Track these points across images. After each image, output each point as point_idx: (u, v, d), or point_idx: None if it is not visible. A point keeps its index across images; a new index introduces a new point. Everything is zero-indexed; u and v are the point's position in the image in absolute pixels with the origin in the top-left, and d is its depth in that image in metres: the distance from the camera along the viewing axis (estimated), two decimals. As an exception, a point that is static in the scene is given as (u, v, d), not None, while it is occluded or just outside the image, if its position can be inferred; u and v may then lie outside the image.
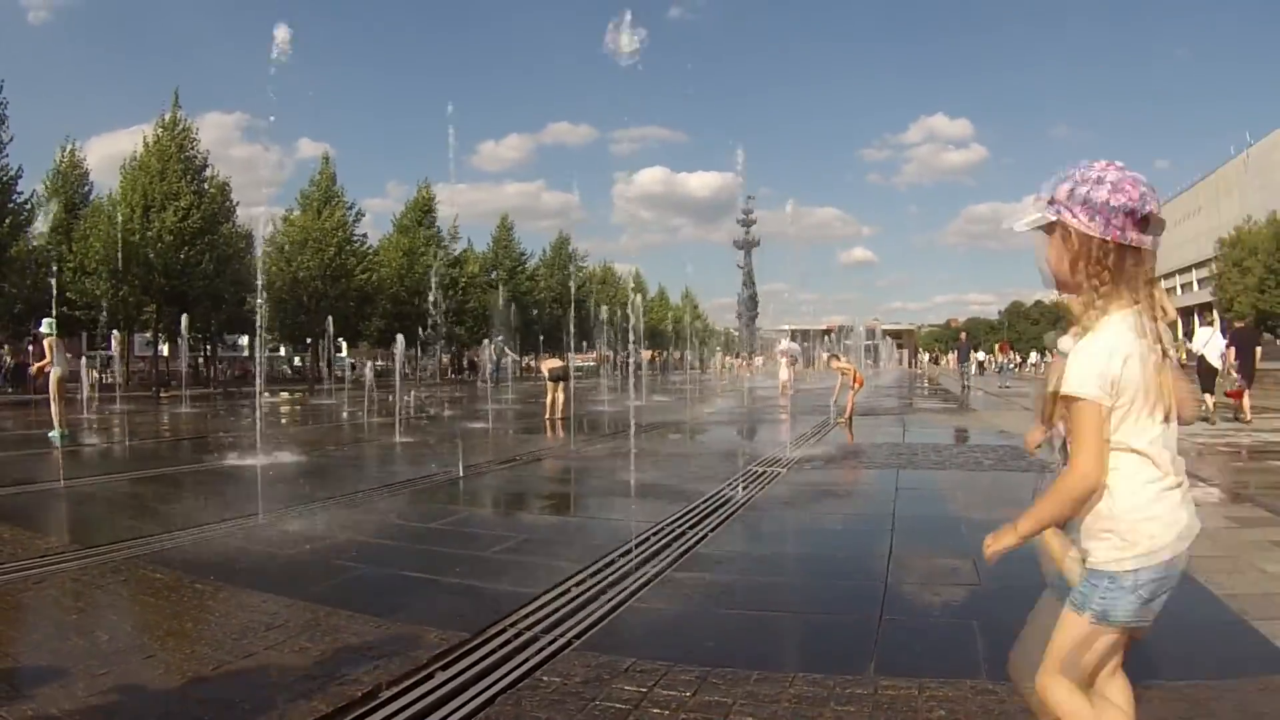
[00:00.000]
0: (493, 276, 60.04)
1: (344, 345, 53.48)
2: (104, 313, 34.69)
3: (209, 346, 50.38)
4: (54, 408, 13.67)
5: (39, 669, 3.49)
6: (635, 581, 4.76)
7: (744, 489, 7.79)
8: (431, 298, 45.67)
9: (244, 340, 61.14)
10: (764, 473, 8.86)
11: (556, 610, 4.24)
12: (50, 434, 13.27)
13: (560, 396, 17.32)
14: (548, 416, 17.13)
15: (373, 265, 49.59)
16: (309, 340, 49.64)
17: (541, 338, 56.96)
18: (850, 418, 15.93)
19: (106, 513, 7.61)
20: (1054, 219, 2.08)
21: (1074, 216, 2.04)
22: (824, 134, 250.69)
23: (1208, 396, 15.67)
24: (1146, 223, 2.01)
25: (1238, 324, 18.87)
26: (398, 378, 21.70)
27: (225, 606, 4.39)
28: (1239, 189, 68.90)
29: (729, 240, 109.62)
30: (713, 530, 6.14)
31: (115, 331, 33.56)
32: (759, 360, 56.28)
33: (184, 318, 32.04)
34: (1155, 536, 2.02)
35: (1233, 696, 3.06)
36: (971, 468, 9.42)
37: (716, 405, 24.26)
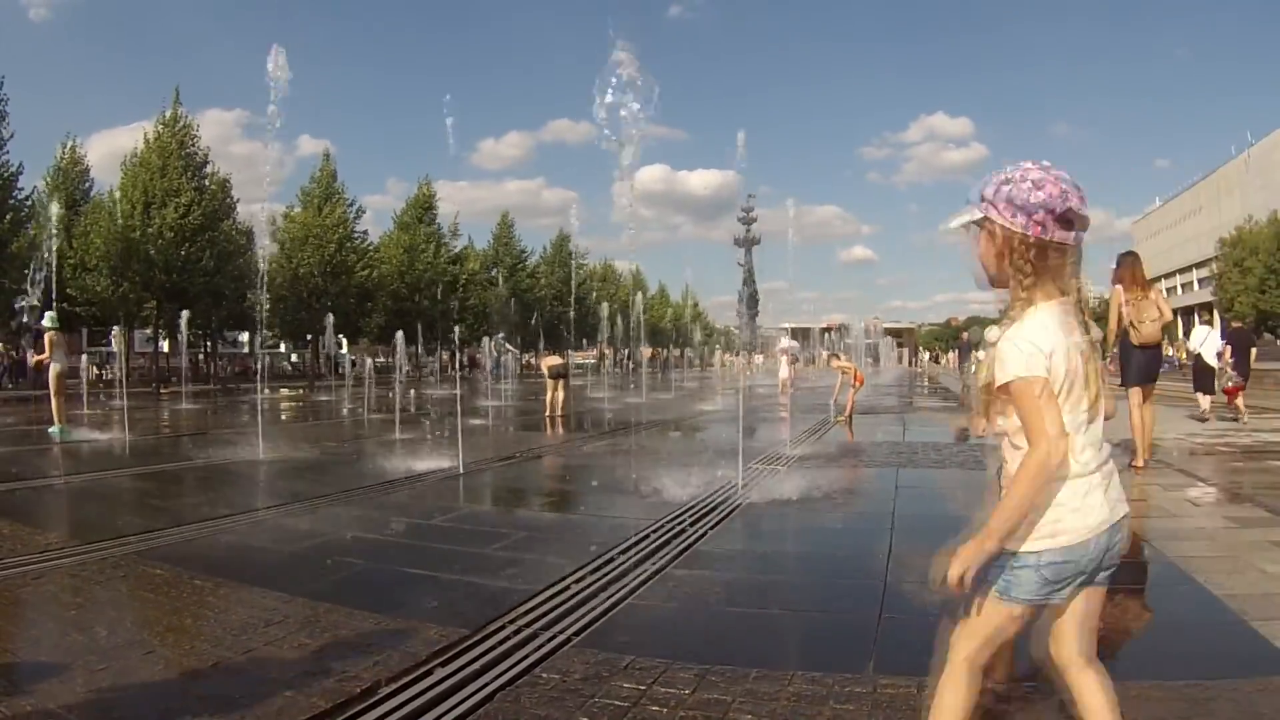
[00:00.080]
0: (493, 274, 60.06)
1: (344, 341, 53.46)
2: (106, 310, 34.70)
3: (209, 343, 50.38)
4: (54, 403, 13.67)
5: (38, 664, 3.49)
6: (634, 579, 4.76)
7: (744, 487, 7.79)
8: (445, 298, 45.68)
9: (244, 337, 61.16)
10: (764, 470, 8.85)
11: (556, 607, 4.23)
12: (51, 429, 13.27)
13: (560, 394, 17.34)
14: (548, 413, 17.14)
15: (373, 262, 49.62)
16: (309, 336, 49.69)
17: (542, 335, 56.96)
18: (850, 416, 15.93)
19: (106, 508, 7.61)
20: (981, 216, 2.17)
21: (999, 213, 2.13)
22: (824, 132, 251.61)
23: (1207, 396, 15.79)
24: (1070, 219, 2.10)
25: (1234, 324, 19.16)
26: (398, 374, 21.68)
27: (224, 602, 4.39)
28: (1240, 188, 68.84)
29: (729, 238, 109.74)
30: (712, 528, 6.14)
31: (115, 328, 33.56)
32: (759, 358, 56.22)
33: (184, 314, 32.06)
34: (1060, 521, 2.13)
35: (1232, 697, 3.06)
36: (972, 466, 9.41)
37: (716, 403, 24.25)
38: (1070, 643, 2.34)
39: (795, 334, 44.57)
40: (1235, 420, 14.87)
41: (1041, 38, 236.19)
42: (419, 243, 52.98)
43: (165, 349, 45.97)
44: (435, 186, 56.25)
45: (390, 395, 21.08)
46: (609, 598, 4.41)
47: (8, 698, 3.11)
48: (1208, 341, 16.21)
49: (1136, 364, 9.02)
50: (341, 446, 13.06)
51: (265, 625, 3.96)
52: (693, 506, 6.89)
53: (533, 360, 59.43)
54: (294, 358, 63.04)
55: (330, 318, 40.63)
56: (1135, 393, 9.13)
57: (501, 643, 3.71)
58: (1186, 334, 18.45)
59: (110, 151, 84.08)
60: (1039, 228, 2.10)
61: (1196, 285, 77.08)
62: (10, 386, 32.32)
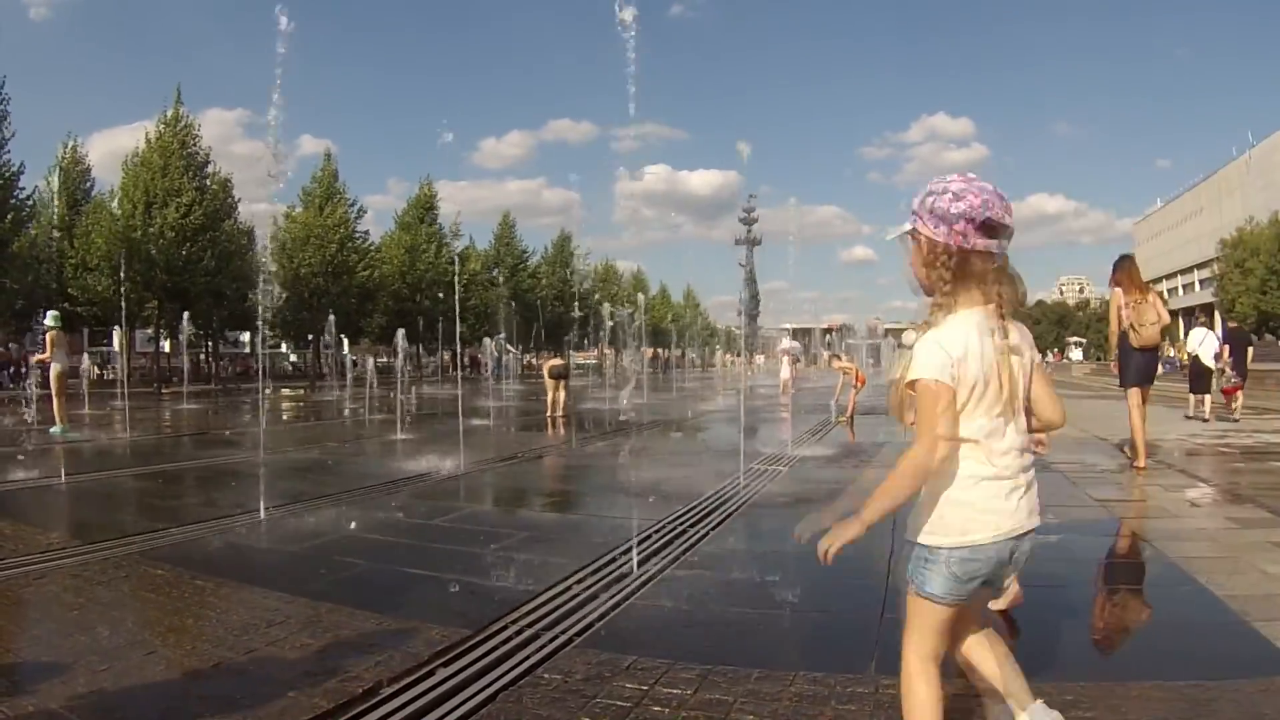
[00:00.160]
0: (494, 274, 60.06)
1: (345, 342, 53.47)
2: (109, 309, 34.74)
3: (210, 343, 50.37)
4: (55, 402, 13.68)
5: (40, 665, 3.49)
6: (636, 579, 4.76)
7: (745, 487, 7.79)
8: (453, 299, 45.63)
9: (245, 337, 61.15)
10: (765, 470, 8.85)
11: (558, 608, 4.24)
12: (52, 429, 13.28)
13: (561, 394, 17.36)
14: (549, 414, 17.15)
15: (374, 262, 49.60)
16: (310, 337, 49.67)
17: (543, 335, 57.00)
18: (852, 417, 15.94)
19: (108, 508, 7.62)
20: (910, 228, 2.30)
21: (924, 224, 2.25)
22: (825, 132, 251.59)
23: (1206, 396, 15.98)
24: (993, 227, 2.20)
25: (1231, 324, 19.46)
26: (399, 374, 21.67)
27: (226, 603, 4.39)
28: (1241, 189, 68.83)
29: (730, 238, 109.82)
30: (714, 528, 6.14)
31: (117, 328, 33.59)
32: (760, 358, 56.23)
33: (185, 314, 32.05)
34: (968, 520, 2.22)
35: (1234, 697, 3.06)
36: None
37: (718, 403, 24.26)
38: (962, 627, 2.44)
39: (796, 334, 44.61)
40: (1234, 421, 14.98)
41: (1043, 38, 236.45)
42: (420, 243, 52.98)
43: (166, 349, 45.98)
44: (436, 187, 56.33)
45: (391, 395, 21.08)
46: (611, 598, 4.41)
47: (10, 697, 3.11)
48: (1205, 343, 16.35)
49: (1135, 366, 9.09)
50: (343, 447, 13.07)
51: (267, 625, 3.96)
52: (694, 507, 6.89)
53: (534, 361, 59.46)
54: (293, 357, 62.91)
55: (332, 317, 40.66)
56: (1134, 393, 9.18)
57: (504, 643, 3.71)
58: (1186, 335, 18.57)
59: (111, 151, 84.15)
60: (960, 236, 2.20)
61: (1198, 286, 77.03)
62: (10, 386, 32.30)
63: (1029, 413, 2.40)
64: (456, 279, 49.87)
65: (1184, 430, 13.46)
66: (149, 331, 43.30)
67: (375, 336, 52.55)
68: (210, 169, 40.44)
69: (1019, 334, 2.31)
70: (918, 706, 2.30)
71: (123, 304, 32.01)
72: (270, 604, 4.32)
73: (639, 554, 5.23)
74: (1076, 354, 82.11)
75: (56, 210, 34.39)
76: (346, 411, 20.73)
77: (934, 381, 2.17)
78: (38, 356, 15.13)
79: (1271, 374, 23.71)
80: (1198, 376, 16.17)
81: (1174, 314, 47.24)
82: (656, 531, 5.97)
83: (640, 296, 40.44)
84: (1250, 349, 17.37)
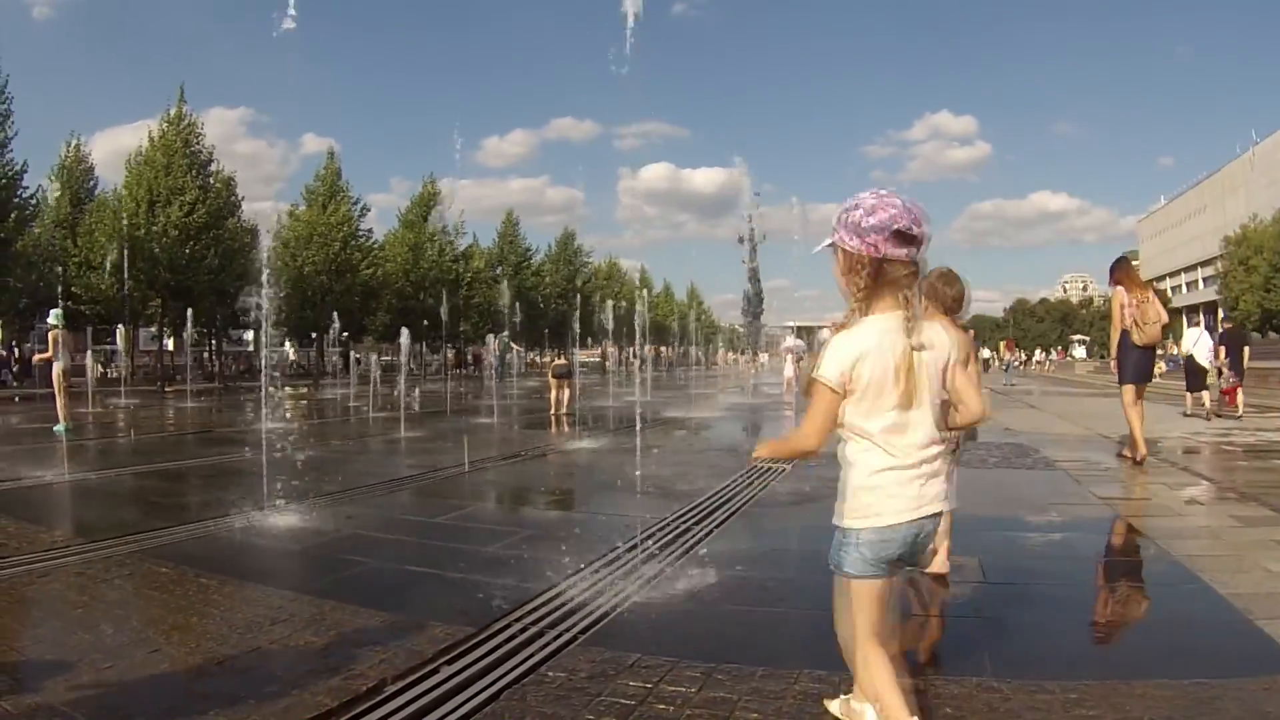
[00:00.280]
0: (498, 272, 60.08)
1: (346, 338, 53.53)
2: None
3: (213, 341, 50.45)
4: (58, 401, 13.69)
5: (44, 662, 3.49)
6: (640, 577, 4.76)
7: (748, 485, 7.79)
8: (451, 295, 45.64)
9: (248, 335, 61.21)
10: (769, 469, 8.85)
11: (561, 605, 4.24)
12: (55, 428, 13.30)
13: (564, 393, 17.38)
14: (552, 412, 17.17)
15: (378, 260, 49.64)
16: (313, 335, 49.72)
17: (546, 333, 56.98)
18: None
19: (111, 507, 7.63)
20: (833, 243, 2.53)
21: (842, 237, 2.48)
22: (828, 130, 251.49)
23: (1204, 394, 16.28)
24: (903, 238, 2.41)
25: (1225, 324, 19.77)
26: (403, 373, 21.69)
27: (230, 601, 4.40)
28: (1244, 187, 68.67)
29: (733, 236, 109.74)
30: (718, 526, 6.14)
31: (120, 326, 33.63)
32: (764, 356, 56.17)
33: (189, 312, 32.09)
34: (873, 504, 2.47)
35: (1237, 695, 3.06)
36: (976, 465, 9.41)
37: (721, 401, 24.26)
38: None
39: (800, 332, 44.51)
40: (1237, 419, 15.05)
41: (1045, 36, 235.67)
42: (423, 241, 53.02)
43: (170, 347, 46.05)
44: (439, 185, 56.34)
45: (395, 393, 21.09)
46: (614, 596, 4.41)
47: (15, 695, 3.12)
48: (1200, 342, 16.71)
49: (1136, 363, 9.22)
50: (346, 444, 13.08)
51: (271, 623, 3.97)
52: (697, 505, 6.89)
53: (537, 359, 59.44)
54: (291, 355, 62.89)
55: (335, 316, 40.73)
56: (1128, 390, 9.36)
57: (507, 641, 3.71)
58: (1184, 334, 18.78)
59: (115, 150, 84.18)
60: (873, 247, 2.42)
61: (1201, 284, 76.90)
62: (16, 385, 32.36)
63: (951, 406, 2.70)
64: (447, 280, 49.86)
65: (1187, 428, 13.46)
66: (152, 330, 43.37)
67: (379, 335, 52.56)
68: (213, 167, 40.56)
69: (933, 334, 2.53)
70: (882, 682, 2.50)
71: (125, 302, 32.09)
72: (274, 602, 4.32)
73: (642, 552, 5.23)
74: (1080, 352, 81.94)
75: (55, 200, 34.51)
76: (350, 409, 20.74)
77: (825, 381, 2.45)
78: (40, 355, 15.16)
79: (1275, 372, 23.66)
80: (1193, 375, 16.47)
81: (1177, 312, 47.29)
82: (660, 529, 5.97)
83: (644, 293, 40.35)
84: (1246, 348, 17.57)
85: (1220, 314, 54.21)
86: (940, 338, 2.56)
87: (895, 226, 2.40)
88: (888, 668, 2.51)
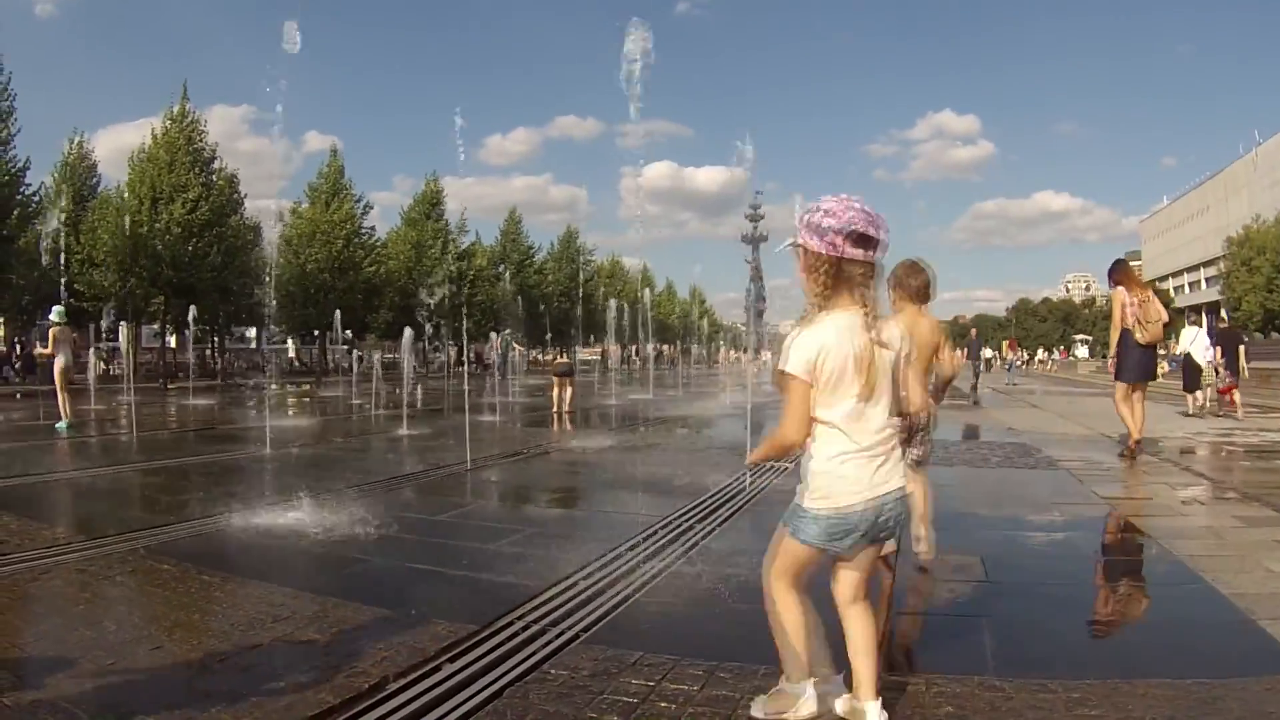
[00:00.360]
0: (500, 270, 60.08)
1: (349, 336, 53.53)
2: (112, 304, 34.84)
3: (216, 338, 50.49)
4: (59, 398, 13.71)
5: (46, 659, 3.50)
6: (643, 575, 4.76)
7: (751, 483, 7.79)
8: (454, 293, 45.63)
9: (251, 332, 61.28)
10: (772, 466, 8.84)
11: (564, 603, 4.24)
12: (58, 425, 13.31)
13: (566, 391, 17.39)
14: (554, 410, 17.17)
15: (380, 258, 49.64)
16: (315, 332, 49.73)
17: (549, 331, 56.93)
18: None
19: (113, 503, 7.64)
20: (796, 243, 2.71)
21: (804, 238, 2.67)
22: (831, 129, 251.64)
23: (1198, 393, 16.61)
24: (861, 239, 2.60)
25: (1221, 324, 20.05)
26: (405, 371, 21.69)
27: (232, 598, 4.40)
28: (1247, 188, 68.57)
29: (736, 234, 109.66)
30: (720, 524, 6.14)
31: (123, 323, 33.63)
32: (766, 355, 56.15)
33: (191, 309, 32.10)
34: (830, 487, 2.66)
35: (1240, 695, 3.05)
36: (978, 464, 9.42)
37: (724, 399, 24.24)
38: (844, 586, 2.81)
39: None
40: (1238, 419, 15.20)
41: (1048, 35, 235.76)
42: (426, 239, 53.01)
43: (173, 344, 46.07)
44: (443, 183, 56.35)
45: (397, 391, 21.09)
46: (617, 594, 4.41)
47: (17, 691, 3.12)
48: (1196, 341, 17.02)
49: (1137, 361, 9.37)
50: (348, 442, 13.09)
51: (273, 621, 3.97)
52: (700, 502, 6.88)
53: (539, 357, 59.41)
54: (291, 352, 62.90)
55: (338, 313, 40.75)
56: (1121, 388, 9.67)
57: (510, 639, 3.71)
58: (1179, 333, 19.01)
59: (118, 147, 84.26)
60: (832, 247, 2.61)
61: (1204, 284, 76.77)
62: (17, 381, 32.39)
63: (901, 397, 2.85)
64: (450, 278, 49.83)
65: (1189, 428, 13.44)
66: (155, 327, 43.39)
67: (381, 333, 52.59)
68: (216, 165, 40.55)
69: (891, 331, 2.72)
70: (795, 622, 2.81)
71: (127, 300, 32.10)
72: (276, 599, 4.32)
73: (645, 550, 5.23)
74: (1082, 351, 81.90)
75: (62, 201, 34.55)
76: (352, 406, 20.75)
77: (793, 373, 2.63)
78: (41, 351, 15.18)
79: (1277, 373, 23.64)
80: (1190, 373, 16.80)
81: (1179, 312, 47.22)
82: (662, 527, 5.97)
83: (646, 292, 40.37)
84: (1242, 348, 17.80)
85: (1222, 313, 54.04)
86: (894, 334, 2.74)
87: (854, 228, 2.59)
88: (802, 616, 2.81)
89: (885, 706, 2.77)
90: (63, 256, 27.01)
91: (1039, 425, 14.25)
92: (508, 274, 58.69)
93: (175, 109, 39.20)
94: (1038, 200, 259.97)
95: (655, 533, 5.78)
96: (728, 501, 6.98)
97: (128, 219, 35.59)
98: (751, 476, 8.06)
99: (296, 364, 59.76)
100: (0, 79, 32.82)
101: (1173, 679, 3.17)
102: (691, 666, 3.35)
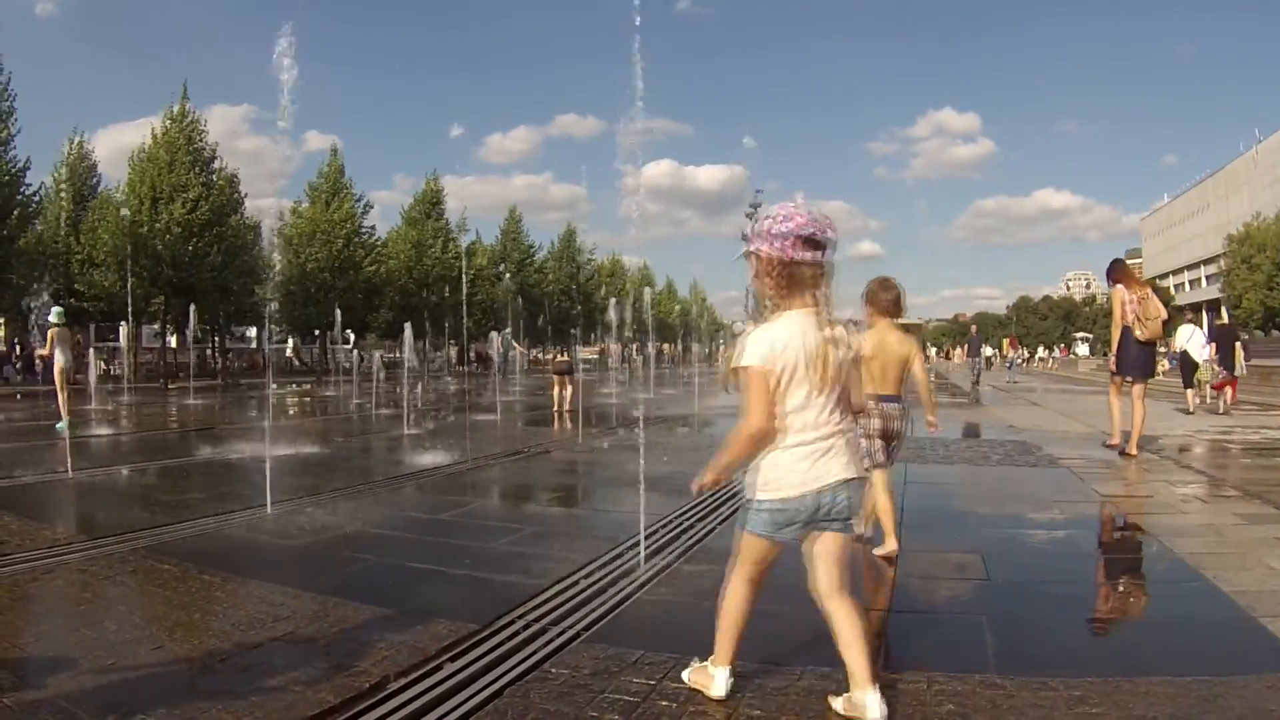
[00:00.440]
0: (501, 269, 60.07)
1: (351, 336, 53.55)
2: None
3: (216, 338, 50.48)
4: (59, 398, 13.75)
5: (47, 659, 3.49)
6: (643, 574, 4.76)
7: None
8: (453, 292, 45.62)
9: (252, 332, 61.27)
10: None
11: (565, 602, 4.24)
12: (58, 425, 13.32)
13: (566, 390, 17.40)
14: (555, 409, 17.18)
15: (381, 257, 49.63)
16: (316, 331, 49.72)
17: (549, 329, 56.94)
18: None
19: (114, 504, 7.64)
20: (750, 248, 2.87)
21: (758, 244, 2.82)
22: (831, 128, 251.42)
23: (1190, 391, 16.93)
24: (812, 242, 2.75)
25: (1219, 322, 20.47)
26: (405, 370, 21.70)
27: (233, 598, 4.40)
28: (1247, 185, 68.58)
29: (737, 233, 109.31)
30: (721, 523, 6.13)
31: (123, 323, 33.64)
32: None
33: (192, 309, 32.10)
34: (777, 478, 2.83)
35: (1241, 693, 3.05)
36: (979, 462, 9.41)
37: (723, 398, 24.23)
38: (820, 579, 2.91)
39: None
40: (1228, 415, 15.65)
41: (1048, 34, 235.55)
42: (426, 238, 53.00)
43: (173, 344, 46.07)
44: (443, 182, 56.36)
45: (397, 390, 21.11)
46: (618, 593, 4.41)
47: (18, 691, 3.12)
48: (1193, 339, 17.52)
49: (1136, 358, 9.47)
50: (349, 441, 13.09)
51: (273, 620, 3.97)
52: (701, 501, 6.88)
53: (540, 356, 59.39)
54: (288, 351, 62.87)
55: (338, 312, 40.75)
56: (1113, 387, 10.08)
57: (511, 638, 3.72)
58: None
59: (118, 147, 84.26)
60: (783, 251, 2.76)
61: (1204, 282, 76.76)
62: (18, 380, 32.40)
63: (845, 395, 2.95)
64: (450, 277, 49.84)
65: (1190, 426, 13.44)
66: (155, 327, 43.39)
67: (381, 332, 52.59)
68: (216, 164, 40.54)
69: (840, 332, 2.84)
70: (731, 607, 3.02)
71: (125, 300, 32.10)
72: (277, 599, 4.32)
73: (646, 548, 5.23)
74: (1083, 349, 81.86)
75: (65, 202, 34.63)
76: (353, 406, 20.75)
77: (753, 368, 2.75)
78: (40, 353, 15.22)
79: (1278, 370, 23.63)
80: (1188, 371, 17.26)
81: (1180, 309, 47.22)
82: (663, 526, 5.97)
83: (646, 290, 40.35)
84: (1238, 345, 18.29)
85: (1223, 311, 54.06)
86: (844, 335, 2.87)
87: (802, 232, 2.75)
88: (743, 608, 3.01)
89: (888, 705, 2.77)
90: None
91: (1039, 423, 14.25)
92: (508, 275, 58.69)
93: (175, 108, 39.21)
94: (1038, 198, 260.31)
95: (655, 531, 5.78)
96: (728, 500, 6.98)
97: (126, 212, 35.52)
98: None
99: (296, 363, 59.78)
100: (0, 79, 32.80)
101: (1174, 677, 3.18)
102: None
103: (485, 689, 3.18)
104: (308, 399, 25.12)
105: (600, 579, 4.67)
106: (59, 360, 13.92)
